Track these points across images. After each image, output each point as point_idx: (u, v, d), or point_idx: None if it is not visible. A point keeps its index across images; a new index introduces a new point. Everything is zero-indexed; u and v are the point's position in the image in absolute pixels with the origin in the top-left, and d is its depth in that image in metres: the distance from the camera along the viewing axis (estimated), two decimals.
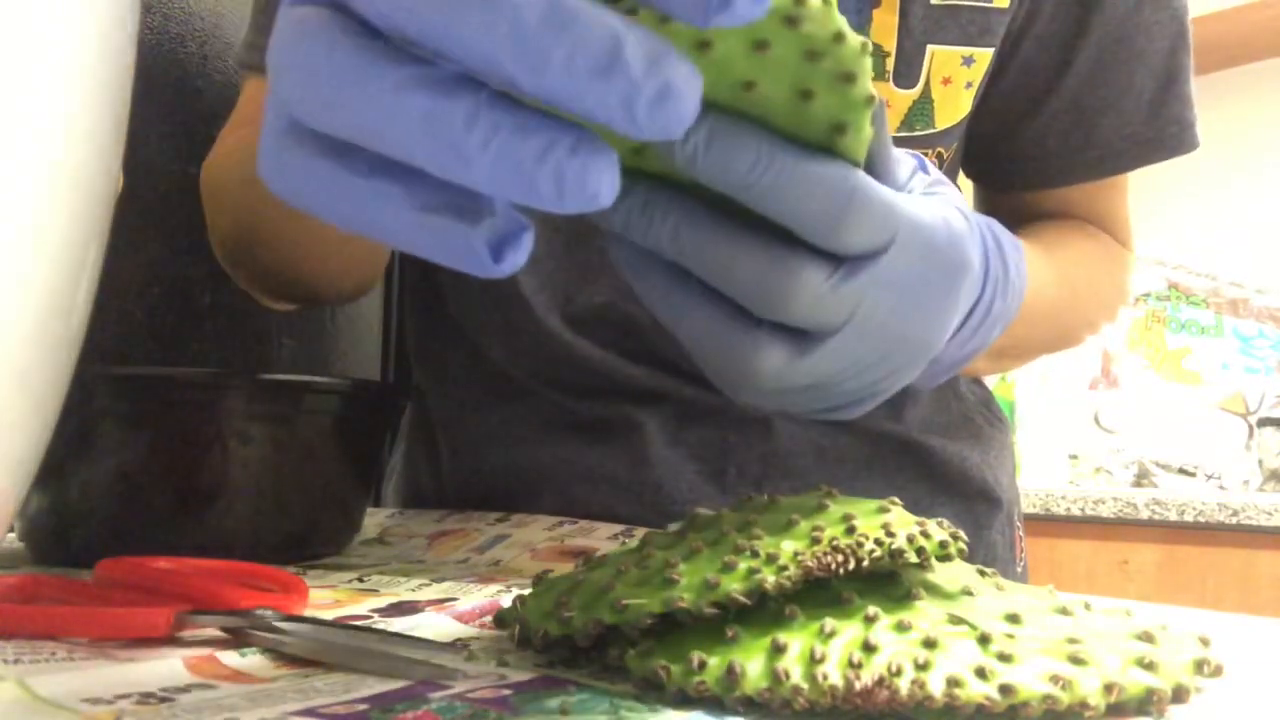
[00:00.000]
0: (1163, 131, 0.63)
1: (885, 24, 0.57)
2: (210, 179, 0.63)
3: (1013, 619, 0.28)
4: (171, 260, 0.74)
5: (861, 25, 0.57)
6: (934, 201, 0.34)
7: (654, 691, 0.27)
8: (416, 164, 0.22)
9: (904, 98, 0.58)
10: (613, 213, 0.32)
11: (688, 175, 0.30)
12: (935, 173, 0.36)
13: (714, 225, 0.31)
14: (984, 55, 0.58)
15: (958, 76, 0.58)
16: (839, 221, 0.30)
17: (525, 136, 0.20)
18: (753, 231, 0.31)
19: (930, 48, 0.57)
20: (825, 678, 0.25)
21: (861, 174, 0.30)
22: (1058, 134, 0.64)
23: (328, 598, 0.40)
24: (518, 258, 0.23)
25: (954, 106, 0.59)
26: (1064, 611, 0.30)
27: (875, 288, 0.31)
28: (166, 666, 0.29)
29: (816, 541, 0.29)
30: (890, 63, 0.57)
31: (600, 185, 0.21)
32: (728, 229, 0.31)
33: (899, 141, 0.58)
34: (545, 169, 0.20)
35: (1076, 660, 0.26)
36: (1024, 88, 0.63)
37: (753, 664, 0.26)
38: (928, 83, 0.58)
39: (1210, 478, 1.99)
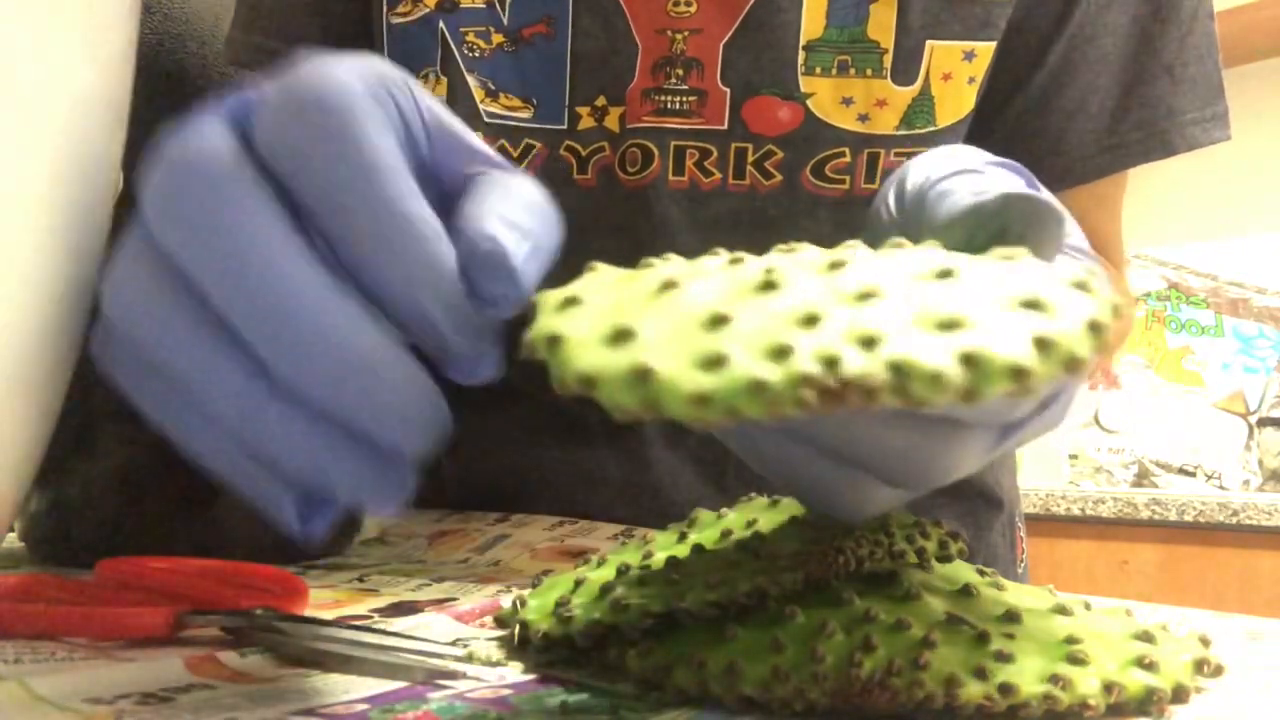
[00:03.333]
0: (1126, 138, 0.61)
1: (883, 19, 0.56)
2: None
3: (1012, 618, 0.28)
4: None
5: (859, 21, 0.56)
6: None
7: (654, 691, 0.27)
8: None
9: (903, 95, 0.57)
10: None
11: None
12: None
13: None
14: (986, 49, 0.58)
15: (959, 72, 0.57)
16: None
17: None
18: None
19: (930, 43, 0.56)
20: (825, 678, 0.25)
21: None
22: (1023, 139, 0.62)
23: (328, 598, 0.40)
24: (320, 526, 0.26)
25: (956, 103, 0.58)
26: (1064, 611, 0.30)
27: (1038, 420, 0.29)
28: (166, 666, 0.29)
29: (816, 541, 0.29)
30: (888, 59, 0.56)
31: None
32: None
33: (899, 141, 0.57)
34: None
35: (1076, 660, 0.26)
36: (996, 81, 0.60)
37: (753, 664, 0.26)
38: (927, 79, 0.57)
39: (1210, 478, 1.99)
